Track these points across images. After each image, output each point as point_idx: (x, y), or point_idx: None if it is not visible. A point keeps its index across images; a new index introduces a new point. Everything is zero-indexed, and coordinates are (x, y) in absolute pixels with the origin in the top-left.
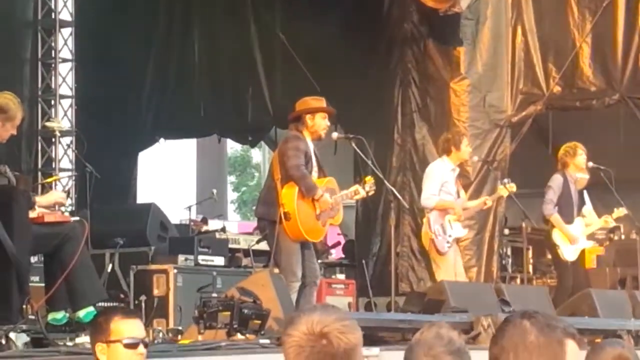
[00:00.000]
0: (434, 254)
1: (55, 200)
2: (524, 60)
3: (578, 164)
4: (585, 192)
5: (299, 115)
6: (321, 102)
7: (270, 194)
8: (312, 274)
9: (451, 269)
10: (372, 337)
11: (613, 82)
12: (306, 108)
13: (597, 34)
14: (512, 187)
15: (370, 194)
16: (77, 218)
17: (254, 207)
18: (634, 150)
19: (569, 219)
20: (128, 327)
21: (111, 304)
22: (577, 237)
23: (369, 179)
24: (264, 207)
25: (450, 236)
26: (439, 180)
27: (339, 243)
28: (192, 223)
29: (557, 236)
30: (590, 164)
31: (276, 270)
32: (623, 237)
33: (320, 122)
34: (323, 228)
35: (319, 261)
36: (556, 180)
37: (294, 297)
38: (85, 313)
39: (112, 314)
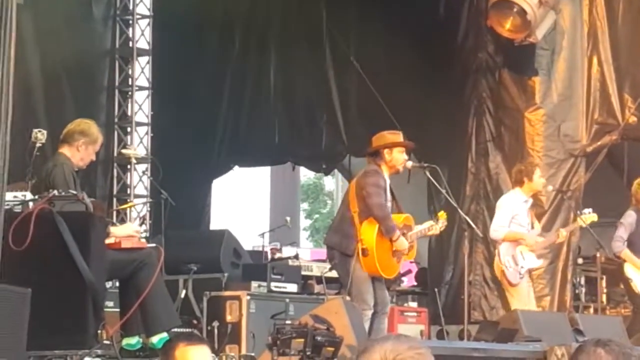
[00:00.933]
0: (506, 285)
1: (130, 232)
2: (600, 90)
3: None
4: None
5: (376, 150)
6: (398, 136)
7: (344, 224)
8: (383, 303)
9: (525, 298)
10: None
11: None
12: (384, 143)
13: None
14: (593, 216)
15: (442, 229)
16: (152, 244)
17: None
18: None
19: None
20: (193, 354)
21: (184, 330)
22: None
23: (442, 215)
24: (336, 236)
25: (522, 267)
26: (510, 213)
27: (410, 271)
28: (264, 249)
29: (629, 270)
30: None
31: (348, 299)
32: None
33: (398, 157)
34: (397, 265)
35: (391, 289)
36: (628, 217)
37: (366, 325)
38: (159, 339)
39: (178, 341)
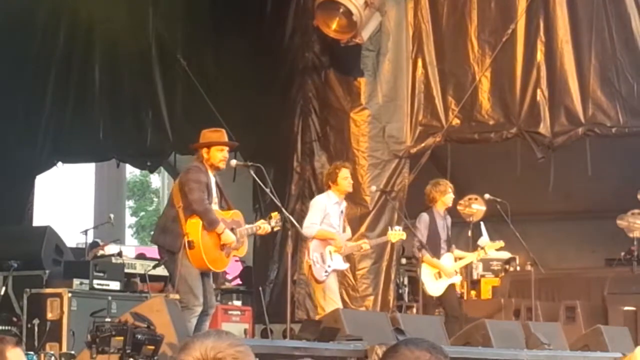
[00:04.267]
0: (312, 282)
1: None
2: (424, 92)
3: (445, 201)
4: (482, 223)
5: (196, 148)
6: (220, 134)
7: (169, 222)
8: (209, 304)
9: (334, 296)
10: None
11: (511, 116)
12: (201, 143)
13: (497, 68)
14: (402, 234)
15: (275, 229)
16: None
17: (152, 233)
18: (529, 183)
19: (436, 254)
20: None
21: (3, 328)
22: (450, 271)
23: (276, 215)
24: (162, 235)
25: (329, 266)
26: (322, 212)
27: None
28: (87, 246)
29: (423, 273)
30: (487, 196)
31: (176, 296)
32: (518, 268)
33: (216, 155)
34: (227, 259)
35: (216, 287)
36: (422, 221)
37: (194, 321)
38: None
39: None
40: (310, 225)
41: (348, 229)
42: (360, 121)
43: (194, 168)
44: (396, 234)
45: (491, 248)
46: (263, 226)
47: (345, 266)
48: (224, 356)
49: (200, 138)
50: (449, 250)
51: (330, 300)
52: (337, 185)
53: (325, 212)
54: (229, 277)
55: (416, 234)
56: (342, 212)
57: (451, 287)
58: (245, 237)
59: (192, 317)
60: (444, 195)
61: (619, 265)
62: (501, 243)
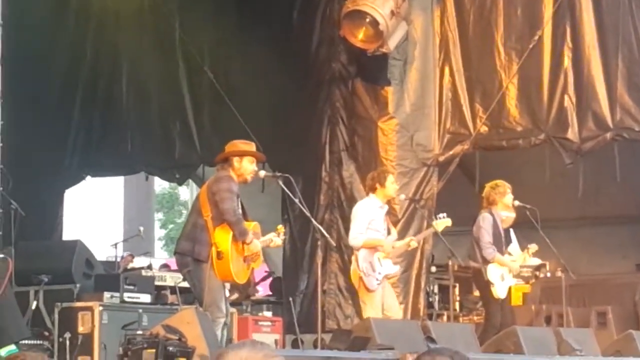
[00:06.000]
0: (363, 292)
1: None
2: (452, 100)
3: (506, 202)
4: (511, 230)
5: (227, 157)
6: (251, 147)
7: (196, 231)
8: (227, 314)
9: (379, 306)
10: None
11: (539, 122)
12: (234, 150)
13: (524, 75)
14: (447, 221)
15: (283, 240)
16: (1, 256)
17: None
18: (558, 189)
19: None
20: None
21: (35, 342)
22: (519, 270)
23: (280, 228)
24: (188, 243)
25: (379, 274)
26: (367, 219)
27: (267, 277)
28: (118, 259)
29: (492, 274)
30: (517, 202)
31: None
32: (549, 274)
33: (247, 166)
34: (248, 270)
35: (247, 298)
36: (487, 220)
37: (219, 333)
38: (7, 351)
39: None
40: (357, 236)
41: (394, 231)
42: (388, 130)
43: (225, 177)
44: (442, 222)
45: (534, 249)
46: (275, 239)
47: (395, 269)
48: None
49: (230, 147)
50: (505, 253)
51: (376, 311)
52: (384, 188)
53: (370, 218)
54: (260, 288)
55: (481, 234)
56: (385, 215)
57: (509, 291)
58: (260, 250)
59: (216, 329)
60: (504, 197)
61: None
62: (535, 247)
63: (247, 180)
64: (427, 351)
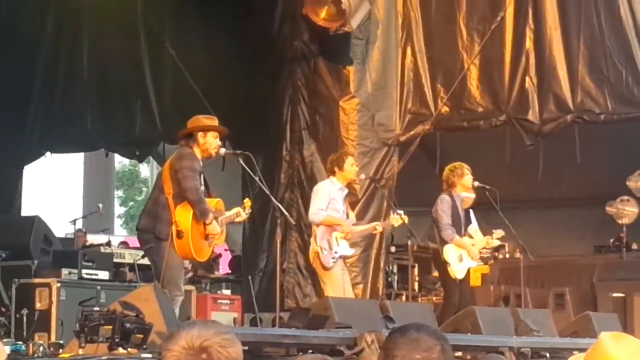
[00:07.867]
0: (320, 270)
1: None
2: (413, 80)
3: (465, 184)
4: (471, 211)
5: (191, 132)
6: (214, 121)
7: (158, 208)
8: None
9: (338, 285)
10: (256, 353)
11: (500, 103)
12: (199, 126)
13: (486, 56)
14: (405, 218)
15: (248, 216)
16: None
17: None
18: (519, 171)
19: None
20: None
21: None
22: (477, 253)
23: (247, 202)
24: (150, 220)
25: (336, 253)
26: (327, 198)
27: (220, 255)
28: (75, 236)
29: (449, 254)
30: (477, 183)
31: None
32: (508, 256)
33: (212, 141)
34: (210, 249)
35: (205, 276)
36: (446, 202)
37: (177, 311)
38: None
39: None
40: (317, 212)
41: (352, 215)
42: (349, 110)
43: (188, 155)
44: (398, 218)
45: (499, 235)
46: (242, 213)
47: (351, 252)
48: (210, 344)
49: (194, 123)
50: (465, 234)
51: (337, 291)
52: (343, 171)
53: (330, 198)
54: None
55: (439, 216)
56: (345, 198)
57: (468, 272)
58: (225, 226)
59: (175, 307)
60: (463, 179)
61: (608, 253)
62: (501, 232)
63: (212, 156)
64: (415, 326)
